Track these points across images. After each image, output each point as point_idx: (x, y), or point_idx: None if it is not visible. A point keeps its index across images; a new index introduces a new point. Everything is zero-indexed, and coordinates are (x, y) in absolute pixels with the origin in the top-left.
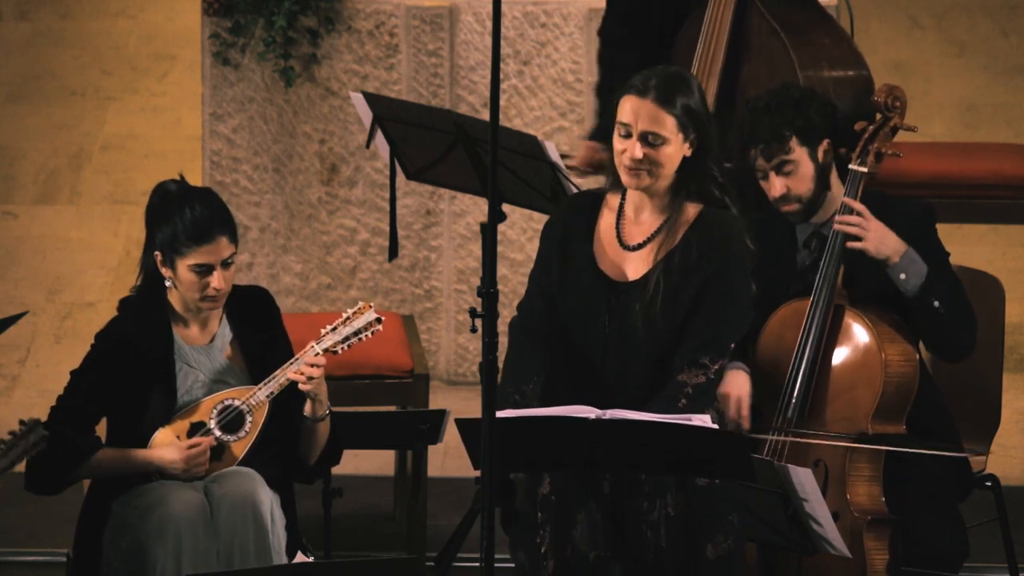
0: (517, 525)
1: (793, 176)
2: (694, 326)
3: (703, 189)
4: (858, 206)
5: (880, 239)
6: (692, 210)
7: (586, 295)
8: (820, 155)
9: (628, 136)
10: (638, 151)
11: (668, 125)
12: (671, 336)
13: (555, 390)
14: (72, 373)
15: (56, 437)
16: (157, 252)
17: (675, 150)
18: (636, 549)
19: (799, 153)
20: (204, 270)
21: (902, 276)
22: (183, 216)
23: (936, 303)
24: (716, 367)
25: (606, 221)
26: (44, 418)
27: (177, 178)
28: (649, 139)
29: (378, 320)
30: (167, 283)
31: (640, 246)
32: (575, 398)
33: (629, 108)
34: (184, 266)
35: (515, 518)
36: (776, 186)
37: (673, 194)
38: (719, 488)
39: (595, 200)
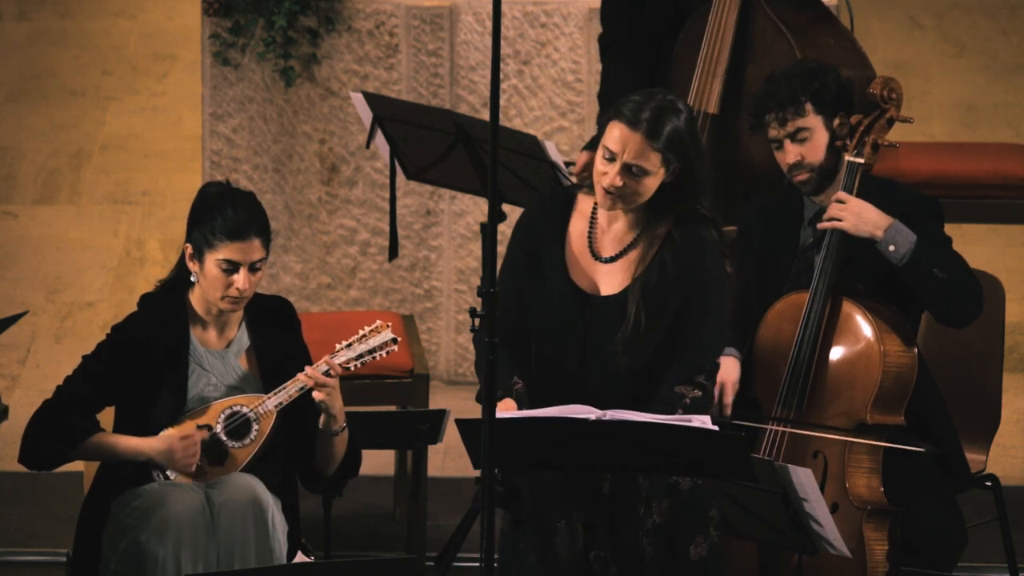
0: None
1: (807, 144)
2: (683, 344)
3: (682, 215)
4: (839, 194)
5: (857, 215)
6: (665, 225)
7: (559, 307)
8: (835, 126)
9: (612, 161)
10: (618, 180)
11: (653, 160)
12: (651, 351)
13: (534, 389)
14: (84, 357)
15: (56, 416)
16: (188, 244)
17: (655, 181)
18: (630, 553)
19: (814, 120)
20: (231, 268)
21: (891, 248)
22: (223, 212)
23: (936, 270)
24: (710, 383)
25: (577, 227)
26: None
27: (222, 180)
28: (632, 170)
29: (394, 340)
30: (192, 278)
31: (614, 259)
32: (554, 403)
33: (617, 136)
34: (212, 260)
35: (522, 521)
36: (790, 154)
37: (649, 212)
38: (700, 489)
39: (567, 200)
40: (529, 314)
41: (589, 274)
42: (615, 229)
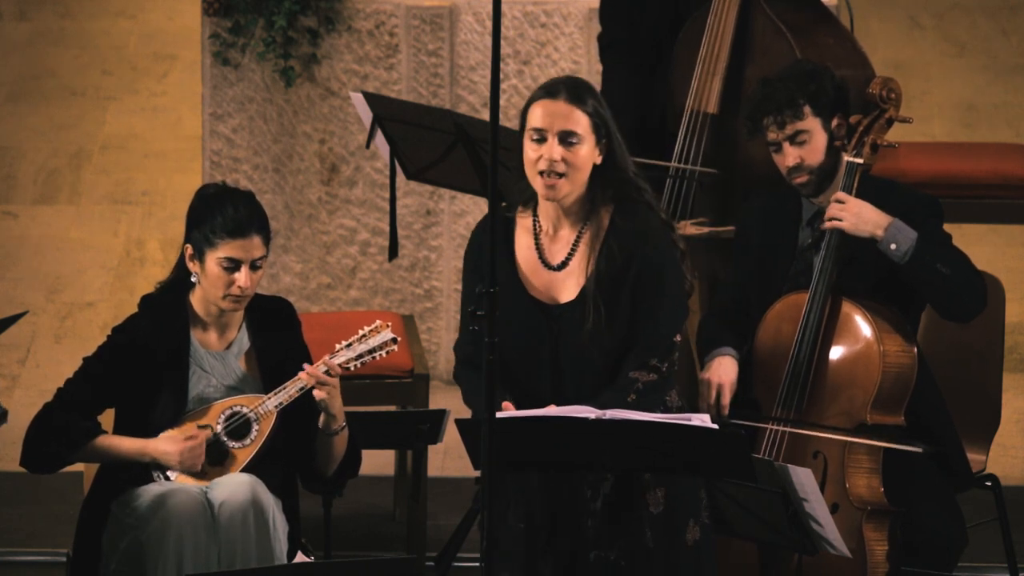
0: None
1: (806, 146)
2: (637, 327)
3: (619, 193)
4: (838, 194)
5: (857, 215)
6: (606, 215)
7: (523, 324)
8: (833, 128)
9: (542, 141)
10: (556, 152)
11: (583, 123)
12: (621, 341)
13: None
14: (84, 359)
15: (57, 418)
16: (188, 245)
17: (589, 152)
18: (636, 545)
19: (812, 123)
20: (233, 265)
21: (892, 247)
22: (223, 211)
23: (939, 265)
24: (666, 366)
25: (524, 243)
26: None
27: (218, 182)
28: (565, 139)
29: (394, 340)
30: (192, 279)
31: (564, 264)
32: None
33: (541, 112)
34: (213, 259)
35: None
36: (789, 156)
37: (588, 204)
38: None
39: (506, 224)
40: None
41: (545, 285)
42: (561, 235)
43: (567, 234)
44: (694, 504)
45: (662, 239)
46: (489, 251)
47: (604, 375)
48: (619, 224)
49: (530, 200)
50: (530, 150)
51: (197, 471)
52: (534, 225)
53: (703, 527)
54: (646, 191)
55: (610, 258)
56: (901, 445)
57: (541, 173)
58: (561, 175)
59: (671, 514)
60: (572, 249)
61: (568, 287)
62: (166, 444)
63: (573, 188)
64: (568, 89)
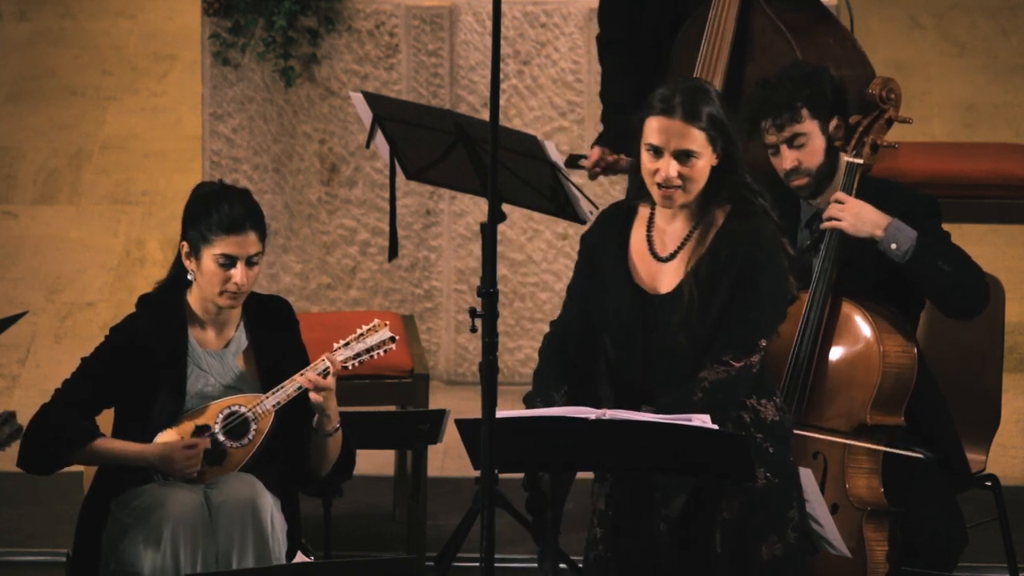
0: (548, 536)
1: (804, 149)
2: (723, 324)
3: (735, 195)
4: (838, 194)
5: (856, 215)
6: (721, 215)
7: (622, 309)
8: (831, 129)
9: (659, 156)
10: (672, 170)
11: (699, 140)
12: (707, 333)
13: (582, 400)
14: (82, 359)
15: (56, 418)
16: (184, 242)
17: (706, 163)
18: (702, 549)
19: (810, 125)
20: (228, 262)
21: (893, 246)
22: (218, 208)
23: (940, 263)
24: (740, 364)
25: (638, 232)
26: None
27: (215, 181)
28: (682, 156)
29: (392, 339)
30: (189, 276)
31: (672, 256)
32: (627, 404)
33: (657, 128)
34: (209, 256)
35: (546, 529)
36: (787, 159)
37: (703, 202)
38: (778, 490)
39: (628, 211)
40: (597, 320)
41: (650, 274)
42: (673, 228)
43: (679, 228)
44: (778, 520)
45: (772, 244)
46: (490, 251)
47: (691, 361)
48: (731, 225)
49: (648, 194)
50: (647, 160)
51: (192, 478)
52: (650, 217)
53: (788, 547)
54: (762, 195)
55: (714, 255)
56: (902, 451)
57: (658, 185)
58: (678, 187)
59: (744, 523)
60: (682, 243)
61: (670, 278)
62: (163, 449)
63: (690, 196)
64: (684, 105)
